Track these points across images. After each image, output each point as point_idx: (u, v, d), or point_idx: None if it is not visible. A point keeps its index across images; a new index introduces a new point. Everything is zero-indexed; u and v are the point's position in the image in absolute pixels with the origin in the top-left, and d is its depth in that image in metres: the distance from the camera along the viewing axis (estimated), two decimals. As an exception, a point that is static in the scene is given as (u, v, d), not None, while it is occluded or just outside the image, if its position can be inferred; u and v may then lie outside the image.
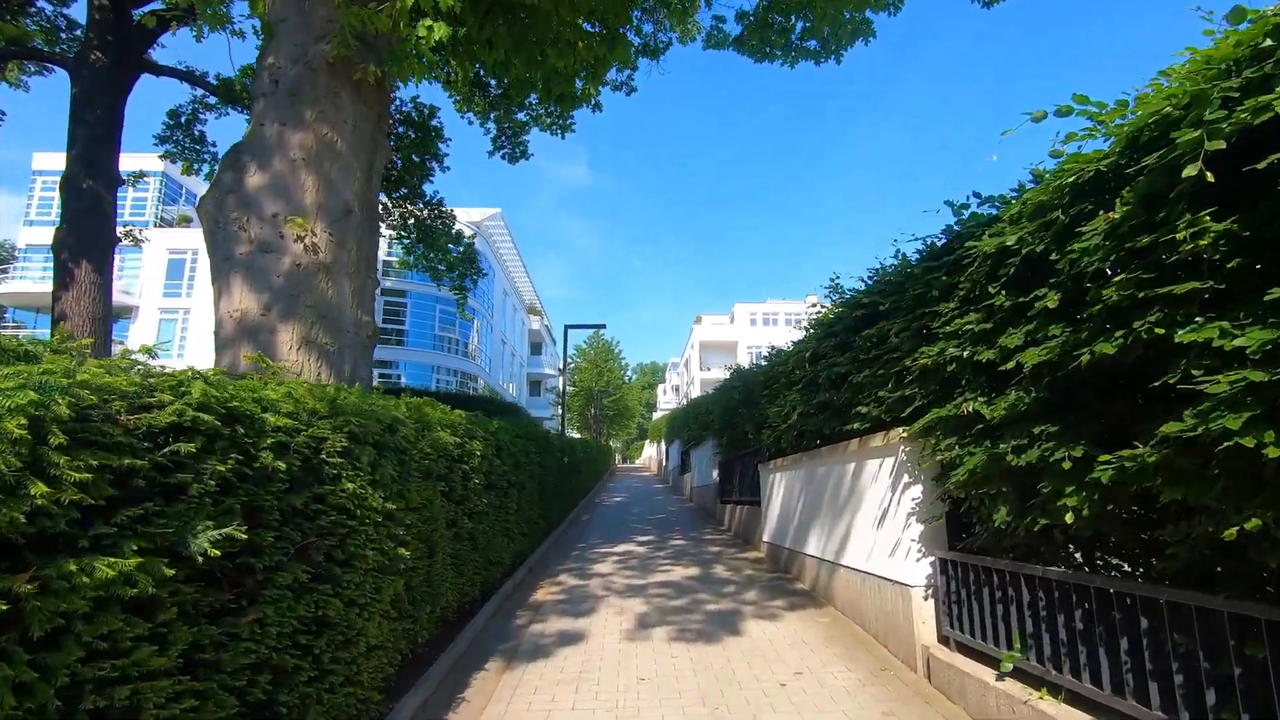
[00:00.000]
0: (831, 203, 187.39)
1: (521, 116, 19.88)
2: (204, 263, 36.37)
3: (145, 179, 16.33)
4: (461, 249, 19.08)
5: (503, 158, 20.08)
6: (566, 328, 16.42)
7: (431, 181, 18.62)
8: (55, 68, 14.80)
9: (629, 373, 52.85)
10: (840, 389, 5.74)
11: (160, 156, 16.92)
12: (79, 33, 15.19)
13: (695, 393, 43.65)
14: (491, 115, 19.69)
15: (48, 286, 32.09)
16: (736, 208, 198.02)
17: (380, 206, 19.30)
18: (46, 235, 35.91)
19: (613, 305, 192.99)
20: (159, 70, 15.80)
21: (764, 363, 9.86)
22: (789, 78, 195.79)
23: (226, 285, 4.92)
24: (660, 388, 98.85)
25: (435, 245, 18.93)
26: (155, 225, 35.91)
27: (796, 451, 7.24)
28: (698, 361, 58.09)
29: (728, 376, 12.93)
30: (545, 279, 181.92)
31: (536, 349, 57.21)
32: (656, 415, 65.18)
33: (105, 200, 12.69)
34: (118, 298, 34.67)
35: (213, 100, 17.63)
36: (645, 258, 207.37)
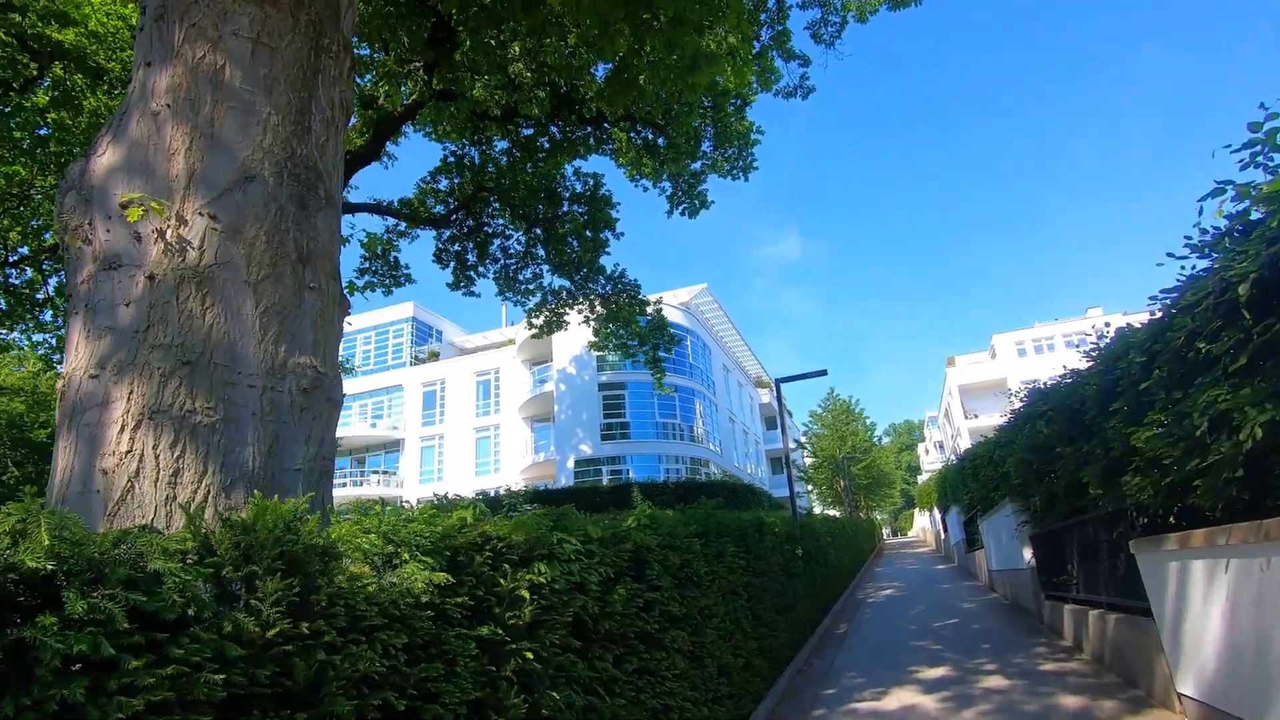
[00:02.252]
0: (1078, 210, 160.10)
1: (695, 166, 18.10)
2: (452, 390, 39.89)
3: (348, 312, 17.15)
4: (649, 318, 17.14)
5: (682, 214, 18.24)
6: (778, 382, 13.23)
7: (608, 253, 17.21)
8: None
9: (878, 434, 46.53)
10: None
11: (361, 289, 17.69)
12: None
13: (964, 445, 36.40)
14: (664, 174, 18.15)
15: (345, 432, 36.45)
16: (964, 239, 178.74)
17: (564, 292, 18.31)
18: (353, 387, 42.24)
19: (851, 372, 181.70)
20: (353, 209, 16.64)
21: (1091, 363, 5.84)
22: (997, 72, 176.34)
23: (69, 339, 2.85)
24: (920, 447, 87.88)
25: (620, 318, 17.26)
26: (410, 364, 40.30)
27: (1258, 514, 3.25)
28: (960, 409, 49.74)
29: (1019, 405, 8.66)
30: (775, 358, 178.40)
31: (772, 424, 53.52)
32: (922, 478, 56.72)
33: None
34: (388, 433, 39.00)
35: (402, 226, 18.39)
36: (876, 316, 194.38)
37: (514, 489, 28.24)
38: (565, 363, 32.99)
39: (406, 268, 18.09)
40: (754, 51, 13.50)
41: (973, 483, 13.74)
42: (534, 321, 17.71)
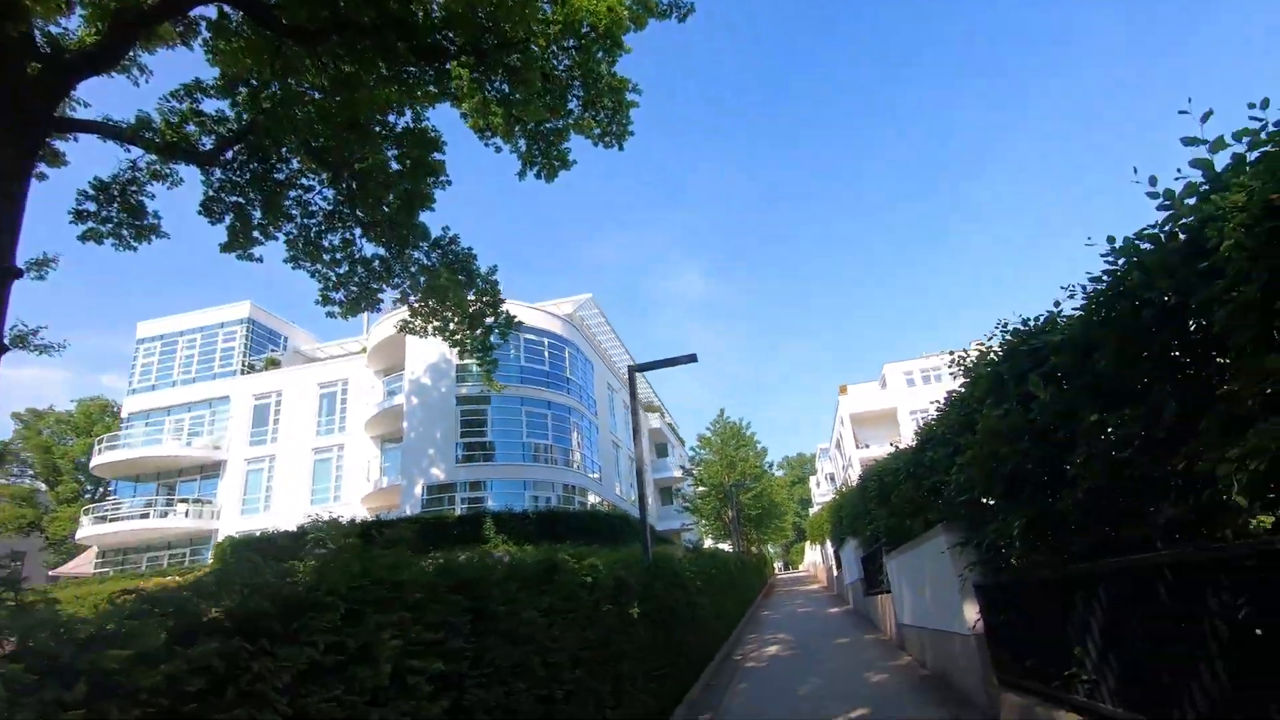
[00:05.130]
0: (970, 247, 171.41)
1: (558, 124, 14.69)
2: (289, 403, 34.00)
3: (52, 265, 12.23)
4: (478, 289, 13.28)
5: (538, 175, 14.58)
6: (632, 370, 9.78)
7: (433, 209, 13.31)
8: None
9: (771, 465, 44.25)
10: None
11: (80, 237, 12.85)
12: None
13: (855, 477, 34.57)
14: (518, 130, 14.60)
15: (151, 452, 29.98)
16: (862, 272, 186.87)
17: (377, 261, 14.30)
18: (150, 402, 35.27)
19: (751, 406, 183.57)
20: (67, 126, 12.02)
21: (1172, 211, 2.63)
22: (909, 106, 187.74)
23: None
24: (812, 480, 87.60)
25: (438, 292, 13.32)
26: (242, 373, 34.16)
27: None
28: (852, 439, 48.71)
29: (960, 383, 5.58)
30: (679, 394, 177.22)
31: (661, 450, 50.46)
32: (813, 511, 55.32)
33: (-13, 295, 8.39)
34: (206, 453, 32.54)
35: (156, 164, 13.75)
36: (778, 352, 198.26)
37: (347, 520, 23.06)
38: (419, 372, 28.40)
39: (156, 216, 13.41)
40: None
41: (878, 509, 10.74)
42: (330, 295, 13.48)
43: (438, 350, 27.04)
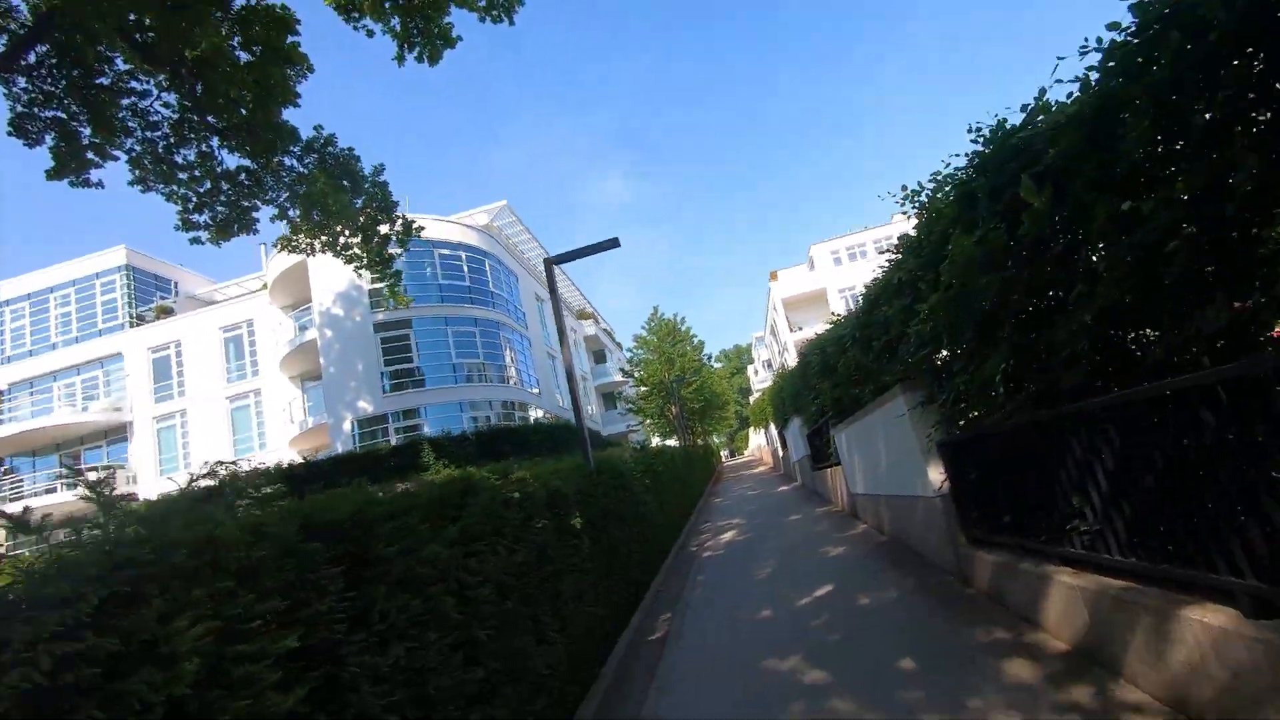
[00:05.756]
0: (883, 112, 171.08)
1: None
2: (191, 352, 31.42)
3: None
4: (366, 194, 11.70)
5: (418, 58, 12.67)
6: (548, 262, 8.74)
7: (297, 106, 11.44)
8: None
9: (709, 357, 44.26)
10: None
11: None
12: None
13: (791, 361, 34.96)
14: (387, 5, 12.52)
15: (43, 423, 27.41)
16: (781, 154, 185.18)
17: (242, 173, 12.50)
18: (31, 369, 31.88)
19: (685, 305, 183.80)
20: None
21: None
22: None
23: None
24: (750, 369, 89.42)
25: (324, 206, 11.67)
26: (131, 326, 31.05)
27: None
28: (785, 324, 49.18)
29: (924, 201, 4.84)
30: (613, 301, 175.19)
31: (600, 357, 49.92)
32: (754, 398, 56.56)
33: None
34: (107, 417, 29.94)
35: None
36: (704, 248, 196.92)
37: (272, 466, 21.53)
38: (329, 302, 26.34)
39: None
40: None
41: (822, 382, 10.33)
42: (192, 219, 11.65)
43: (345, 277, 24.92)
